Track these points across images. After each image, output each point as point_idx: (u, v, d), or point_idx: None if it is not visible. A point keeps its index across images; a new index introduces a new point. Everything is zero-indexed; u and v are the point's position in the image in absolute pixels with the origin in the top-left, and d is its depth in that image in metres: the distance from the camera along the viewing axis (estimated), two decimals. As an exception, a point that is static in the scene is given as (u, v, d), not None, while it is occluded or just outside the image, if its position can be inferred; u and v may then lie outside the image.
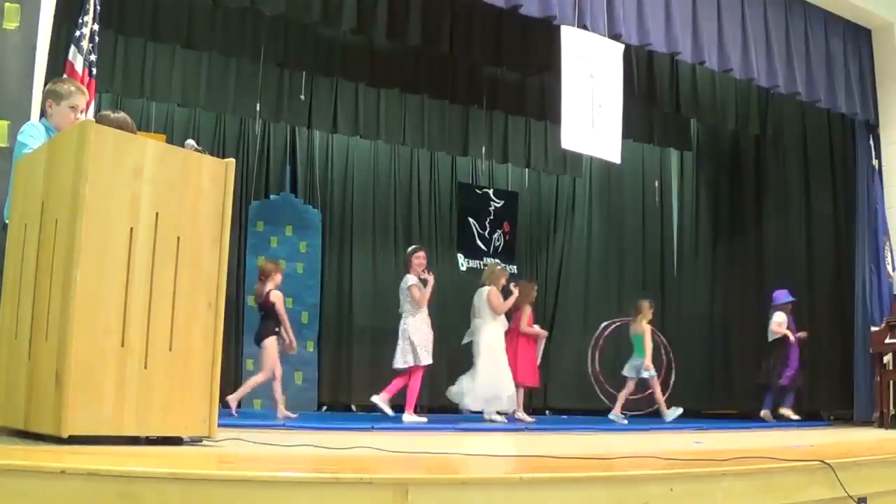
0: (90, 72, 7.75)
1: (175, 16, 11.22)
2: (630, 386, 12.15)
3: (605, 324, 13.68)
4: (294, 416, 10.22)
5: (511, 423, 10.89)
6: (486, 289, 11.42)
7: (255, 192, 13.34)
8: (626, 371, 12.26)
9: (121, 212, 4.77)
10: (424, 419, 10.40)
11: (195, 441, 5.17)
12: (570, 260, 15.88)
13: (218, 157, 5.53)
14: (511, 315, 11.80)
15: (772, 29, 11.14)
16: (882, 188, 12.13)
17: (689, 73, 13.13)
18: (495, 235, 15.09)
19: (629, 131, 12.37)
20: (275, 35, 11.92)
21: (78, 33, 7.75)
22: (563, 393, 14.69)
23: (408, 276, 10.90)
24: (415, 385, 10.66)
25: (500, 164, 15.26)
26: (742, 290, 14.50)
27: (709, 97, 13.47)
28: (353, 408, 13.40)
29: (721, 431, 10.47)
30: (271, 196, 13.48)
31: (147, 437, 4.87)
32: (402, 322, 10.83)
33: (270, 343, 10.28)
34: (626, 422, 11.69)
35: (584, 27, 9.44)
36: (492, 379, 10.96)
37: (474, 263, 14.79)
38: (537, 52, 11.54)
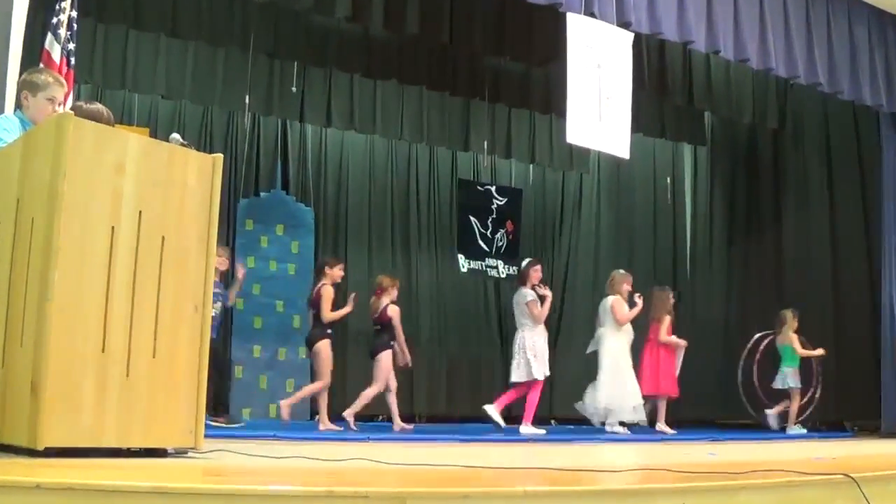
0: (68, 61, 7.75)
1: (159, 2, 11.19)
2: (795, 396, 12.36)
3: (758, 335, 13.52)
4: (410, 427, 11.04)
5: (644, 435, 11.27)
6: (610, 298, 11.86)
7: (245, 190, 13.33)
8: (779, 383, 12.45)
9: (101, 210, 4.77)
10: (543, 431, 10.89)
11: (180, 453, 5.16)
12: (576, 261, 15.86)
13: (205, 152, 5.53)
14: (633, 323, 12.05)
15: (791, 15, 11.10)
16: (910, 183, 12.10)
17: (703, 62, 13.11)
18: (498, 235, 15.08)
19: (639, 125, 12.40)
20: (265, 23, 11.90)
21: (55, 20, 7.74)
22: (570, 402, 14.67)
23: (525, 289, 11.33)
24: (533, 398, 11.07)
25: (502, 159, 15.24)
26: (759, 294, 14.49)
27: (724, 88, 13.46)
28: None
29: (737, 442, 10.46)
30: (261, 193, 13.47)
31: (129, 449, 4.86)
32: (517, 335, 11.27)
33: (386, 356, 10.85)
34: (804, 431, 12.07)
35: (592, 15, 9.42)
36: (614, 390, 11.40)
37: (476, 264, 14.77)
38: (542, 41, 11.53)
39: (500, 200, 15.20)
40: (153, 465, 4.54)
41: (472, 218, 14.87)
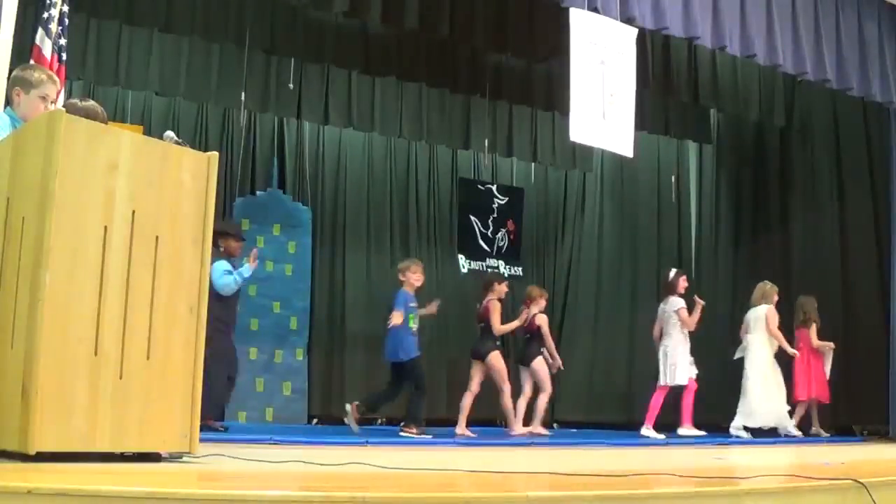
0: (59, 57, 7.75)
1: (153, -3, 11.22)
2: None
3: None
4: (546, 433, 11.64)
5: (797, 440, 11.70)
6: (764, 308, 12.35)
7: (240, 189, 13.32)
8: None
9: (94, 209, 4.77)
10: (662, 436, 11.34)
11: (175, 457, 5.16)
12: (579, 261, 15.86)
13: (200, 150, 5.53)
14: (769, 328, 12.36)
15: (799, 10, 11.09)
16: (921, 183, 12.09)
17: (709, 59, 13.10)
18: (499, 235, 15.09)
19: (643, 122, 12.39)
20: (261, 18, 11.88)
21: (46, 15, 7.74)
22: (573, 405, 14.69)
23: (674, 298, 12.06)
24: (688, 400, 11.89)
25: (504, 157, 15.24)
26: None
27: (730, 85, 13.45)
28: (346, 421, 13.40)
29: (744, 447, 10.47)
30: (257, 192, 13.47)
31: (122, 454, 4.86)
32: (663, 343, 12.02)
33: (540, 363, 11.55)
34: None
35: (595, 10, 9.42)
36: (764, 396, 11.95)
37: (476, 265, 14.78)
38: (544, 36, 11.52)
39: (502, 200, 15.20)
40: (147, 469, 4.54)
41: (472, 217, 14.87)
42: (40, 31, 7.74)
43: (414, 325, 10.53)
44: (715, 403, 12.91)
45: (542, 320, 11.68)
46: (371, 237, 14.31)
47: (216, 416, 9.75)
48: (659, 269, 15.85)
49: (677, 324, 11.89)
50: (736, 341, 12.89)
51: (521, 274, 14.98)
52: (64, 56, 7.82)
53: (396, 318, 10.31)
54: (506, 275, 14.77)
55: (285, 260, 13.19)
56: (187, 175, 5.19)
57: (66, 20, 7.88)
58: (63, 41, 7.79)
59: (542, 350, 11.66)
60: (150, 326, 4.94)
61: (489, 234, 15.00)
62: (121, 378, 4.78)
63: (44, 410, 4.46)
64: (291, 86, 12.72)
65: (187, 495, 3.37)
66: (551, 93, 13.30)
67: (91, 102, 5.98)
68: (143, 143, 5.21)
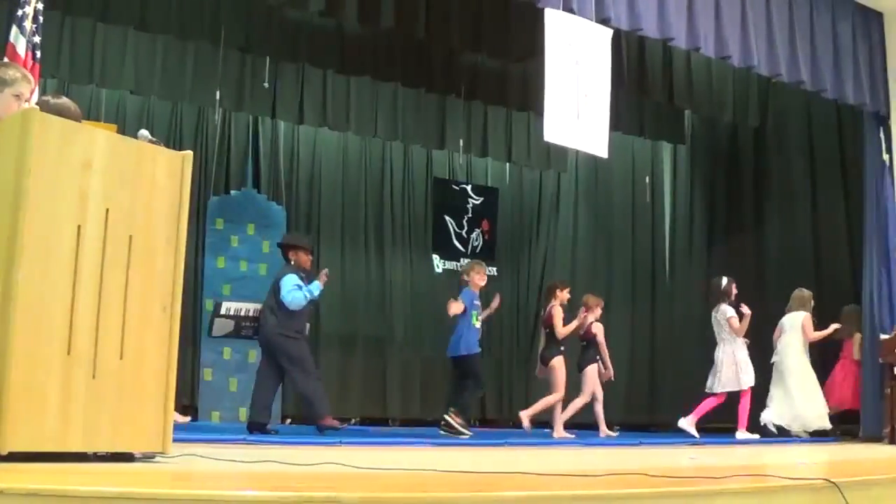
0: (34, 55, 7.70)
1: (128, -5, 11.18)
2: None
3: None
4: (615, 433, 12.02)
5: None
6: (800, 314, 12.49)
7: (215, 188, 13.30)
8: None
9: (67, 208, 4.75)
10: (757, 436, 11.92)
11: (148, 457, 5.15)
12: (554, 261, 15.89)
13: (174, 148, 5.52)
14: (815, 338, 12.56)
15: (773, 12, 11.12)
16: (893, 184, 12.10)
17: (684, 60, 13.13)
18: (473, 235, 15.10)
19: (618, 123, 12.42)
20: (236, 17, 11.86)
21: (20, 12, 7.69)
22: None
23: (724, 306, 12.33)
24: (745, 405, 12.09)
25: (479, 157, 15.27)
26: (740, 296, 14.52)
27: (704, 86, 13.49)
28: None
29: (718, 446, 10.50)
30: (232, 192, 13.45)
31: (95, 454, 4.84)
32: (718, 349, 12.31)
33: (592, 370, 11.78)
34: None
35: (571, 10, 9.41)
36: (804, 399, 12.20)
37: (451, 265, 14.79)
38: (520, 37, 11.53)
39: (476, 200, 15.22)
40: (120, 469, 4.52)
41: (447, 217, 14.88)
42: (14, 29, 7.69)
43: (477, 323, 10.94)
44: (687, 402, 12.95)
45: (598, 329, 11.98)
46: (346, 237, 14.31)
47: (329, 412, 10.16)
48: (633, 269, 15.91)
49: (729, 330, 12.22)
50: (707, 341, 12.94)
51: (495, 273, 14.99)
52: (38, 54, 7.77)
53: (456, 308, 10.75)
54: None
55: (260, 259, 13.15)
56: (162, 174, 5.17)
57: (41, 18, 7.82)
58: (37, 39, 7.74)
59: (597, 357, 11.93)
60: (123, 326, 4.92)
61: (464, 233, 15.01)
62: (94, 377, 4.76)
63: (16, 410, 4.43)
64: (266, 85, 12.71)
65: (160, 495, 3.35)
66: (526, 93, 13.31)
67: (63, 100, 5.94)
68: (118, 141, 5.18)
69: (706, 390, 12.18)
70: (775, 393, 12.32)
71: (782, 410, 12.18)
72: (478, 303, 11.06)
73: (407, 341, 14.46)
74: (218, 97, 12.26)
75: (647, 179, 16.21)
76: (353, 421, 12.92)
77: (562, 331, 11.47)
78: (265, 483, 4.29)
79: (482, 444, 9.85)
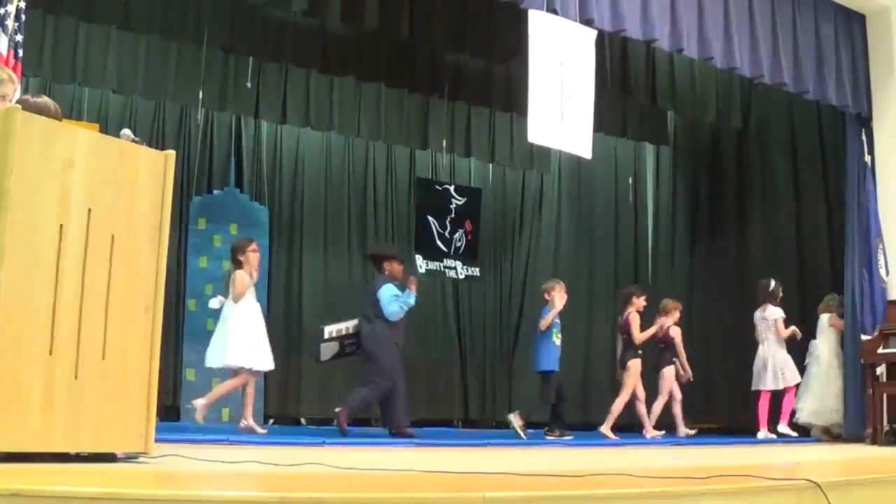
0: (15, 54, 7.67)
1: (110, -6, 11.15)
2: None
3: None
4: (693, 432, 12.31)
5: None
6: (826, 316, 12.62)
7: (197, 187, 13.26)
8: None
9: (49, 207, 4.73)
10: (795, 434, 12.18)
11: (130, 458, 5.14)
12: (536, 262, 15.89)
13: (157, 148, 5.50)
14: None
15: (756, 14, 11.15)
16: (875, 186, 12.14)
17: (667, 61, 13.18)
18: (456, 235, 15.09)
19: (601, 124, 12.41)
20: (219, 17, 11.84)
21: (2, 11, 7.66)
22: (529, 406, 14.68)
23: (773, 307, 12.45)
24: (789, 402, 12.31)
25: (462, 158, 15.26)
26: (722, 297, 14.58)
27: (687, 88, 13.53)
28: (303, 421, 13.36)
29: (700, 447, 10.52)
30: (215, 191, 13.41)
31: (77, 454, 4.83)
32: (760, 349, 12.45)
33: (670, 371, 12.30)
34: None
35: (554, 11, 9.42)
36: (823, 397, 12.32)
37: (434, 265, 14.77)
38: (503, 38, 11.54)
39: (459, 200, 15.20)
40: (103, 470, 4.51)
41: (430, 218, 14.87)
42: (-4, 28, 7.67)
43: (557, 340, 11.48)
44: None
45: (676, 332, 12.41)
46: (328, 237, 14.28)
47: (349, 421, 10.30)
48: (616, 270, 15.93)
49: (775, 331, 12.38)
50: (690, 341, 12.98)
51: (477, 274, 15.00)
52: (20, 53, 7.75)
53: (544, 324, 11.45)
54: (462, 275, 14.82)
55: (242, 260, 13.12)
56: (144, 173, 5.17)
57: (23, 16, 7.80)
58: (19, 37, 7.72)
59: (674, 360, 12.36)
60: (105, 326, 4.92)
61: (447, 234, 15.00)
62: (76, 378, 4.75)
63: (-2, 410, 4.43)
64: (249, 85, 12.69)
65: (143, 496, 3.35)
66: (510, 94, 13.33)
67: (44, 98, 5.91)
68: (100, 141, 5.17)
69: (753, 389, 12.39)
70: (807, 391, 12.49)
71: (810, 405, 12.37)
72: (558, 321, 11.60)
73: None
74: (201, 97, 12.23)
75: (630, 180, 16.24)
76: (335, 422, 12.89)
77: (639, 336, 11.92)
78: (248, 483, 4.29)
79: (465, 445, 9.85)
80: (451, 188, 15.16)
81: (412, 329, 14.02)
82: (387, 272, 10.73)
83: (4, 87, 5.83)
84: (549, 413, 11.57)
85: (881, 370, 11.59)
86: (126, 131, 5.44)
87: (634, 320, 11.97)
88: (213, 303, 10.37)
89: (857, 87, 12.17)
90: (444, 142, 14.36)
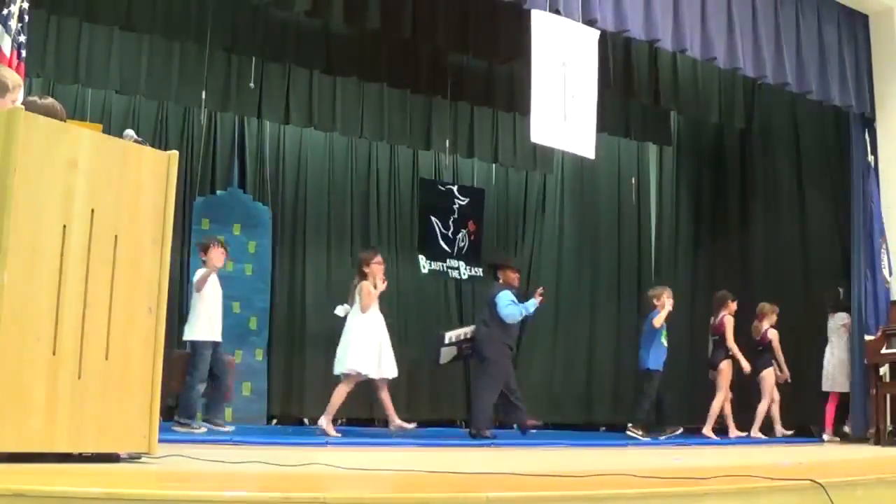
0: (19, 54, 7.68)
1: (113, -6, 11.15)
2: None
3: None
4: (789, 433, 12.57)
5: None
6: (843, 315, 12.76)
7: (200, 188, 13.25)
8: None
9: (53, 207, 4.74)
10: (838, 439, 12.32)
11: (133, 458, 5.14)
12: (539, 262, 15.87)
13: (160, 148, 5.50)
14: None
15: (760, 14, 11.15)
16: (878, 186, 12.14)
17: (670, 61, 13.16)
18: (459, 235, 15.08)
19: (604, 124, 12.41)
20: (222, 17, 11.83)
21: (5, 12, 7.67)
22: (532, 406, 14.66)
23: (842, 313, 12.55)
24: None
25: (465, 158, 15.23)
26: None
27: (690, 88, 13.51)
28: (306, 421, 13.35)
29: (703, 447, 10.52)
30: (218, 192, 13.39)
31: (81, 454, 4.83)
32: (828, 352, 12.64)
33: (769, 374, 12.51)
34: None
35: (557, 12, 9.42)
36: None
37: (437, 265, 14.76)
38: (506, 38, 11.54)
39: (462, 200, 15.20)
40: (106, 470, 4.52)
41: (433, 218, 14.86)
42: (0, 28, 7.67)
43: (665, 342, 12.05)
44: (673, 403, 12.97)
45: (774, 335, 12.59)
46: (331, 237, 14.27)
47: (487, 426, 10.76)
48: (619, 270, 15.91)
49: (844, 335, 12.42)
50: (693, 341, 12.99)
51: (481, 275, 14.97)
52: (24, 53, 7.75)
53: (657, 322, 11.98)
54: (465, 276, 14.82)
55: (245, 260, 13.11)
56: (147, 174, 5.17)
57: (26, 17, 7.81)
58: (23, 38, 7.72)
59: (772, 362, 12.59)
60: (108, 326, 4.92)
61: (450, 234, 14.99)
62: (79, 378, 4.76)
63: (1, 410, 4.43)
64: (252, 85, 12.68)
65: (146, 496, 3.35)
66: (513, 94, 13.33)
67: (50, 100, 5.92)
68: (103, 141, 5.18)
69: (823, 390, 12.50)
70: None
71: None
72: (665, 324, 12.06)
73: (392, 342, 14.43)
74: (204, 97, 12.23)
75: (633, 180, 16.20)
76: (338, 422, 12.89)
77: (732, 341, 12.30)
78: (251, 484, 4.29)
79: (468, 445, 9.86)
80: (455, 188, 15.16)
81: (413, 329, 14.03)
82: (501, 280, 11.36)
83: (17, 93, 5.83)
84: (645, 411, 11.92)
85: (884, 370, 11.60)
86: (129, 132, 5.45)
87: (729, 323, 12.34)
88: (339, 310, 10.91)
89: (861, 87, 12.17)
90: (448, 142, 14.35)
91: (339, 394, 10.35)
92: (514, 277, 11.42)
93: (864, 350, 11.68)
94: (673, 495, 4.18)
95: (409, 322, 14.41)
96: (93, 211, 4.88)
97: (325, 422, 10.13)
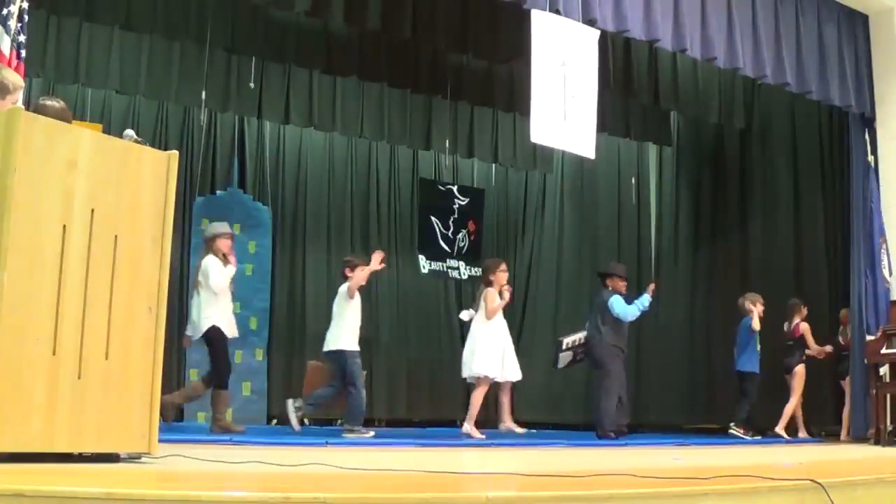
0: (18, 54, 7.67)
1: (113, -6, 11.15)
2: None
3: None
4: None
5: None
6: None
7: (200, 188, 13.27)
8: None
9: (53, 207, 4.74)
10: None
11: (133, 458, 5.14)
12: (539, 262, 15.89)
13: (159, 148, 5.50)
14: None
15: (759, 14, 11.14)
16: (878, 186, 12.13)
17: (670, 61, 13.16)
18: (459, 235, 15.08)
19: (604, 124, 12.43)
20: (222, 17, 11.83)
21: (5, 11, 7.66)
22: (533, 406, 14.69)
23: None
24: None
25: (465, 158, 15.25)
26: (725, 297, 14.53)
27: (690, 88, 13.51)
28: (306, 421, 13.35)
29: (702, 447, 10.52)
30: (218, 192, 13.41)
31: (81, 454, 4.83)
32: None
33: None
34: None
35: (557, 12, 9.41)
36: None
37: (436, 265, 14.76)
38: (506, 38, 11.54)
39: (462, 200, 15.20)
40: (106, 470, 4.51)
41: (433, 218, 14.86)
42: (0, 28, 7.67)
43: (758, 346, 12.37)
44: (672, 402, 12.97)
45: (805, 328, 12.56)
46: (331, 237, 14.29)
47: (611, 428, 11.08)
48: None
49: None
50: (693, 341, 13.00)
51: (480, 274, 14.99)
52: (23, 53, 7.74)
53: (755, 326, 12.24)
54: (465, 276, 14.81)
55: (245, 260, 13.10)
56: (147, 174, 5.17)
57: (26, 17, 7.80)
58: (22, 38, 7.71)
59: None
60: (108, 326, 4.92)
61: (450, 234, 14.99)
62: (79, 378, 4.76)
63: (1, 410, 4.42)
64: (252, 85, 12.68)
65: (146, 496, 3.35)
66: (512, 94, 13.33)
67: (61, 105, 5.93)
68: (103, 141, 5.18)
69: None
70: None
71: None
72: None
73: (392, 342, 14.45)
74: (203, 97, 12.23)
75: (633, 181, 16.19)
76: (339, 422, 12.89)
77: (813, 345, 12.47)
78: (251, 484, 4.29)
79: (468, 445, 9.86)
80: (454, 188, 15.16)
81: (414, 329, 14.03)
82: (610, 287, 11.59)
83: (18, 95, 5.83)
84: (746, 411, 12.23)
85: (884, 370, 11.59)
86: (129, 132, 5.44)
87: (807, 330, 12.46)
88: (464, 315, 11.53)
89: (860, 87, 12.16)
90: (447, 142, 14.36)
91: (477, 397, 10.85)
92: (622, 285, 11.71)
93: (865, 350, 11.67)
94: (673, 495, 4.18)
95: (409, 322, 14.43)
96: (93, 211, 4.88)
97: (468, 426, 10.63)
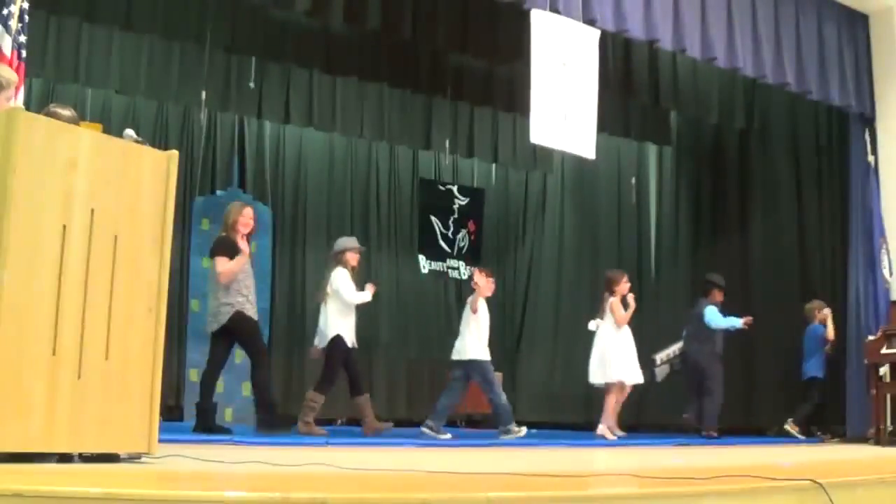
0: (19, 54, 7.67)
1: (113, -6, 11.15)
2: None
3: None
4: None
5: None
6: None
7: (200, 188, 13.28)
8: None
9: (52, 208, 4.73)
10: None
11: (133, 458, 5.13)
12: (539, 262, 15.89)
13: (160, 148, 5.50)
14: None
15: (759, 13, 11.15)
16: (878, 186, 12.14)
17: (670, 61, 13.15)
18: (459, 235, 15.10)
19: (604, 124, 12.38)
20: (222, 17, 11.84)
21: (6, 12, 7.66)
22: (533, 405, 14.70)
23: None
24: None
25: (465, 158, 15.26)
26: (725, 296, 14.54)
27: (690, 88, 13.50)
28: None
29: (703, 447, 10.51)
30: (217, 192, 13.41)
31: (80, 455, 4.83)
32: None
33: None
34: None
35: (557, 12, 9.42)
36: None
37: (437, 265, 14.78)
38: (506, 38, 11.53)
39: (462, 200, 15.22)
40: (105, 470, 4.51)
41: (433, 218, 14.88)
42: (0, 28, 7.67)
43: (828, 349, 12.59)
44: (673, 403, 12.96)
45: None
46: (331, 237, 14.22)
47: (714, 428, 11.83)
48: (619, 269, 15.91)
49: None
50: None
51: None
52: (24, 53, 7.74)
53: (830, 335, 12.41)
54: (465, 276, 14.81)
55: (245, 260, 13.11)
56: (147, 174, 5.16)
57: (26, 17, 7.80)
58: (23, 38, 7.71)
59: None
60: (108, 326, 4.91)
61: (450, 234, 15.01)
62: (79, 378, 4.75)
63: (1, 410, 4.42)
64: (252, 85, 12.69)
65: (146, 496, 3.34)
66: (513, 94, 13.32)
67: (71, 113, 5.94)
68: (103, 141, 5.17)
69: None
70: None
71: None
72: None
73: (393, 341, 14.45)
74: (203, 97, 12.24)
75: (633, 180, 16.19)
76: (339, 422, 12.90)
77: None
78: (251, 484, 4.29)
79: (468, 445, 9.85)
80: (454, 188, 15.18)
81: (414, 329, 14.03)
82: (709, 298, 12.45)
83: (11, 91, 5.83)
84: (806, 413, 12.43)
85: (884, 370, 11.58)
86: (129, 131, 5.43)
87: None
88: (592, 325, 11.95)
89: (860, 87, 12.17)
90: (447, 142, 14.37)
91: (610, 402, 11.55)
92: (719, 295, 12.49)
93: (865, 350, 11.67)
94: (673, 495, 4.18)
95: (409, 322, 14.43)
96: (93, 211, 4.87)
97: (603, 428, 11.34)
